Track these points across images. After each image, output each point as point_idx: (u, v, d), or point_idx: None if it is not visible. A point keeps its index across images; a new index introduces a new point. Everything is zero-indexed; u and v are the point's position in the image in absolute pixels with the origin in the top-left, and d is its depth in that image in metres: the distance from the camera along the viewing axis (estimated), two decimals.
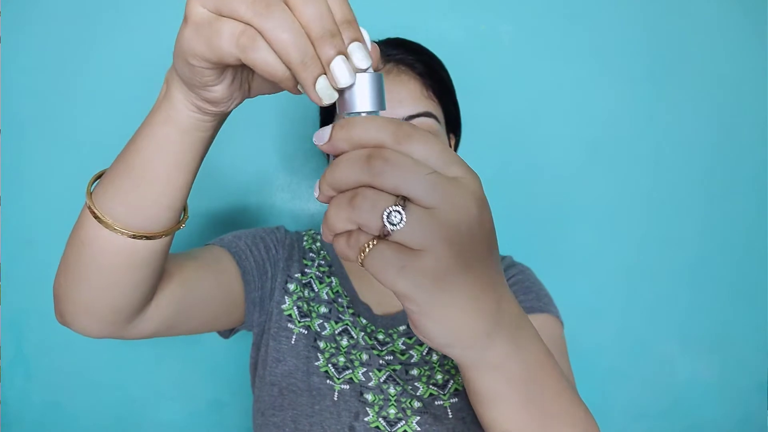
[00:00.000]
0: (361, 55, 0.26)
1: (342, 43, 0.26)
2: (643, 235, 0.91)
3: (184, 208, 0.42)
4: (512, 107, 0.87)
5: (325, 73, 0.26)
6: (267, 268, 0.60)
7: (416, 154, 0.25)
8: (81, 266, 0.40)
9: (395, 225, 0.24)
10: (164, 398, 0.86)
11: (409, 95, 0.55)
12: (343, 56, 0.26)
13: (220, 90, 0.31)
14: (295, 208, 0.87)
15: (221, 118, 0.36)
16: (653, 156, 0.89)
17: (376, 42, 0.61)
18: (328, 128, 0.26)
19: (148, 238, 0.38)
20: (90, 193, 0.39)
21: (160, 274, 0.44)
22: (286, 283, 0.61)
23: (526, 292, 0.60)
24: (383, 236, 0.24)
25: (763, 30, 0.88)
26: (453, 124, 0.64)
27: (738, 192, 0.91)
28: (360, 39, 0.27)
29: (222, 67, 0.29)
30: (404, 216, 0.24)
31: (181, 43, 0.28)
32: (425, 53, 0.61)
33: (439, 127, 0.58)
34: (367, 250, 0.25)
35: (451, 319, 0.26)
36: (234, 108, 0.35)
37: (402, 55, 0.58)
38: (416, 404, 0.54)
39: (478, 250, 0.26)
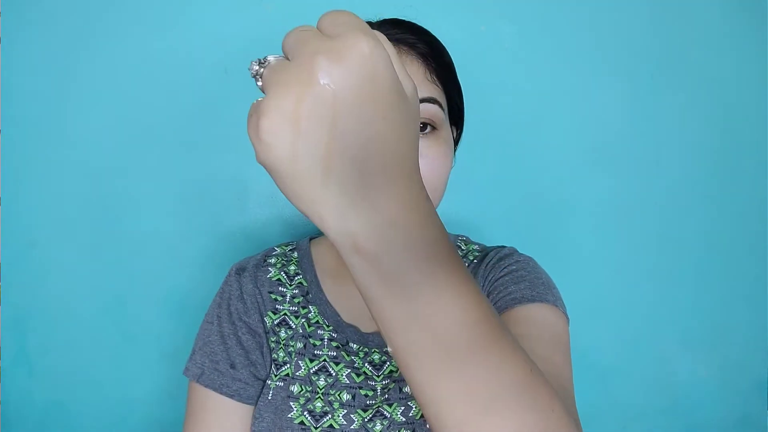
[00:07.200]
0: None
1: None
2: (643, 236, 0.90)
3: None
4: (512, 108, 0.87)
5: None
6: (260, 350, 0.58)
7: (320, 24, 0.24)
8: None
9: (255, 75, 0.25)
10: (167, 397, 0.86)
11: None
12: None
13: None
14: (295, 209, 0.86)
15: None
16: (654, 157, 0.89)
17: (372, 22, 0.55)
18: None
19: None
20: None
21: None
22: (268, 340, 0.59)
23: (517, 282, 0.53)
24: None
25: (763, 31, 0.88)
26: (456, 116, 0.58)
27: (738, 192, 0.91)
28: None
29: None
30: (263, 66, 0.24)
31: None
32: (428, 34, 0.55)
33: (444, 116, 0.52)
34: None
35: (302, 187, 0.24)
36: None
37: (402, 34, 0.52)
38: None
39: (342, 111, 0.22)
